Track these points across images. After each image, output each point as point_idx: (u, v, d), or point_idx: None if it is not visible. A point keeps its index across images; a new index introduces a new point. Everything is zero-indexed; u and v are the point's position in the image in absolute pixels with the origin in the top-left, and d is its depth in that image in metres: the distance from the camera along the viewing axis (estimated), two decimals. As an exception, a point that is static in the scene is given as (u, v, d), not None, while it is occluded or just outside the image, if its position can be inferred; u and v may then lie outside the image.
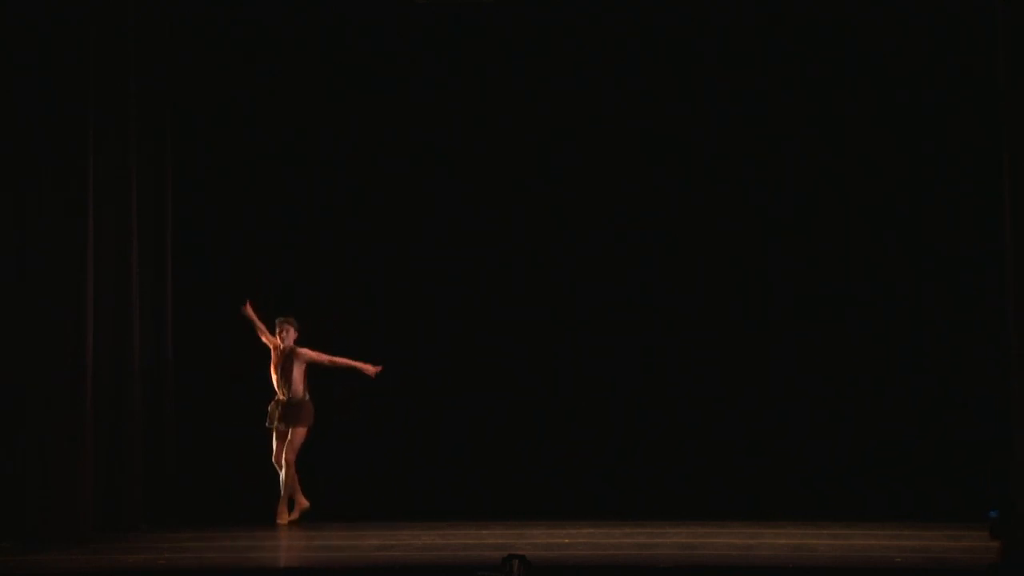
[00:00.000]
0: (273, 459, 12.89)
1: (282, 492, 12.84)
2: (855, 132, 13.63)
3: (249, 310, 12.85)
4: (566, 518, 12.71)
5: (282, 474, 12.82)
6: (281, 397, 12.88)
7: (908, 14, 13.35)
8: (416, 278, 13.92)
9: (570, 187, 13.89)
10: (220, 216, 13.86)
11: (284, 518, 12.84)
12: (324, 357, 12.95)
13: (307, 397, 12.91)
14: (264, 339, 12.93)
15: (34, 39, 11.95)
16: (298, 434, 12.83)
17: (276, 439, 12.90)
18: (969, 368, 13.27)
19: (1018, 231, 12.18)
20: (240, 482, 13.49)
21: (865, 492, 13.27)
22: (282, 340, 12.90)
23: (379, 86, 13.90)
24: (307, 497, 12.97)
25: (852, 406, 13.46)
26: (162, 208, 13.45)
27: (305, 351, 12.94)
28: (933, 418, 13.32)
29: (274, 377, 12.93)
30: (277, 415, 12.87)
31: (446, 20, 13.67)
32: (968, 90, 13.31)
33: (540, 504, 13.23)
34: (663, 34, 13.76)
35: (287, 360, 12.89)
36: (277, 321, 12.94)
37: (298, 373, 12.87)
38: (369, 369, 12.91)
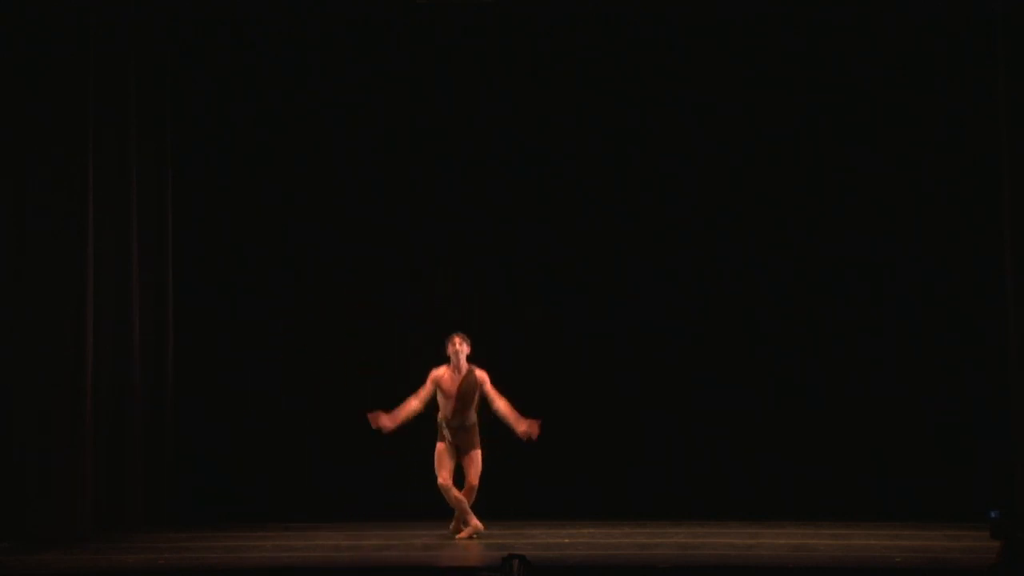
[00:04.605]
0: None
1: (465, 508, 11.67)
2: (858, 132, 13.62)
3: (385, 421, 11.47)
4: (566, 518, 12.71)
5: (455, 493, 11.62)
6: (454, 422, 11.58)
7: (907, 13, 13.35)
8: (415, 277, 13.92)
9: (568, 187, 13.89)
10: (220, 215, 13.84)
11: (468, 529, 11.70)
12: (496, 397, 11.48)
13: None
14: (424, 398, 11.57)
15: (34, 38, 11.95)
16: (480, 456, 11.66)
17: (448, 458, 11.64)
18: (969, 368, 13.26)
19: (1017, 231, 12.20)
20: (240, 482, 13.50)
21: (865, 492, 13.26)
22: (458, 358, 11.55)
23: (379, 85, 13.89)
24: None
25: (852, 406, 13.45)
26: (162, 208, 13.45)
27: (484, 376, 11.57)
28: (934, 418, 13.31)
29: (449, 405, 11.56)
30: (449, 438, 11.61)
31: (446, 20, 13.65)
32: (968, 90, 13.29)
33: (540, 504, 13.22)
34: (664, 32, 13.74)
35: (469, 385, 11.53)
36: (455, 337, 11.60)
37: (477, 399, 11.57)
38: (523, 430, 11.49)
